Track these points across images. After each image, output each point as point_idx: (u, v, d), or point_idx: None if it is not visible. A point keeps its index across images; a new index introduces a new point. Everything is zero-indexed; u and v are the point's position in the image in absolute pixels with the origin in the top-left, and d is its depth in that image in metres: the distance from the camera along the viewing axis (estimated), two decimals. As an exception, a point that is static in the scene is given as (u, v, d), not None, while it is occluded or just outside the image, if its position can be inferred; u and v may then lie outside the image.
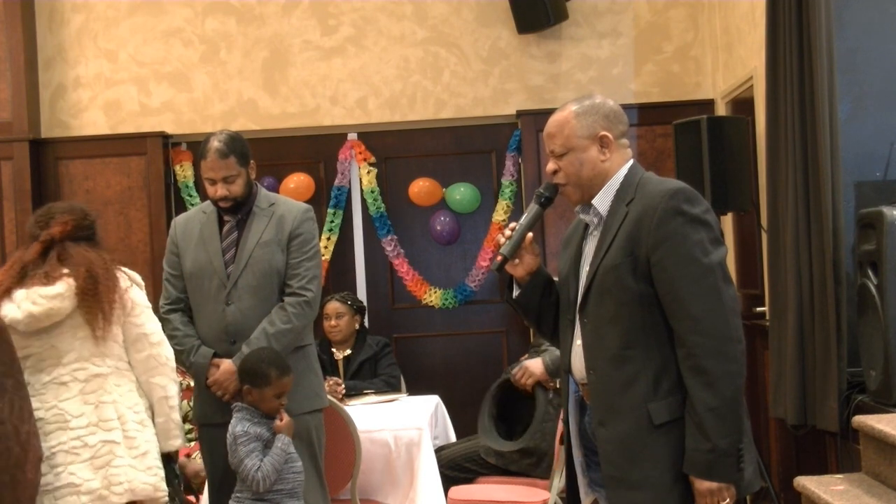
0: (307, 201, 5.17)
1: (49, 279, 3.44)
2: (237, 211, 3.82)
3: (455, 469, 4.97)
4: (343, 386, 5.13)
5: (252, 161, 3.85)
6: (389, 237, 6.40)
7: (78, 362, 3.44)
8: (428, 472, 4.44)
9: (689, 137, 4.91)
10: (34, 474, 3.15)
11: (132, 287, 3.59)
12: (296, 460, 3.61)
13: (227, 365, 3.72)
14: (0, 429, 3.02)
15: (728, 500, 2.54)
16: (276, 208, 3.85)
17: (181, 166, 6.40)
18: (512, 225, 2.78)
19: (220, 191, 3.77)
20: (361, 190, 6.44)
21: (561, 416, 3.74)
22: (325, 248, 6.28)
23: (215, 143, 3.77)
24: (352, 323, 5.49)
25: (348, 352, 5.47)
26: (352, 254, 6.46)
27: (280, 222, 3.81)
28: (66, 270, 3.48)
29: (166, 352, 3.61)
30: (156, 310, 3.76)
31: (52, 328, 3.43)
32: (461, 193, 6.37)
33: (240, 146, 3.80)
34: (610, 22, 6.29)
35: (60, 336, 3.44)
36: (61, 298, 3.41)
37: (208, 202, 3.89)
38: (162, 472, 3.52)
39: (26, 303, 3.39)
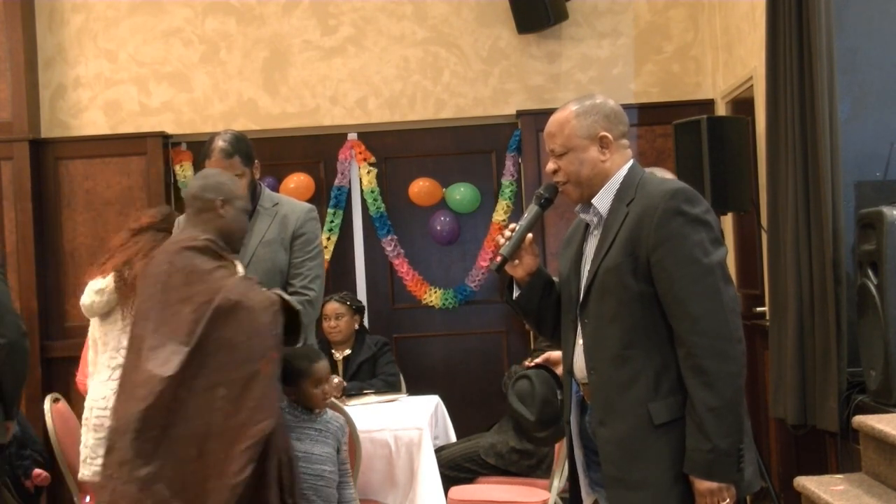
0: (307, 201, 5.16)
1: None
2: (241, 210, 3.82)
3: (455, 469, 4.97)
4: (345, 383, 5.12)
5: (256, 161, 3.86)
6: (389, 237, 6.40)
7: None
8: (428, 472, 4.44)
9: (689, 137, 4.91)
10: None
11: None
12: (314, 462, 3.61)
13: (227, 364, 3.72)
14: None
15: (728, 500, 2.54)
16: (279, 208, 3.85)
17: (181, 166, 6.39)
18: (512, 226, 2.78)
19: (223, 190, 3.77)
20: (361, 190, 6.44)
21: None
22: (326, 248, 6.28)
23: (220, 143, 3.77)
24: (351, 323, 5.47)
25: (348, 352, 5.45)
26: (352, 254, 6.46)
27: (283, 222, 3.81)
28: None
29: None
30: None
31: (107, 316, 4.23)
32: (461, 193, 6.37)
33: (244, 146, 3.81)
34: (610, 22, 6.29)
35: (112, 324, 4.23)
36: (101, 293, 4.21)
37: (211, 202, 3.89)
38: None
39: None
